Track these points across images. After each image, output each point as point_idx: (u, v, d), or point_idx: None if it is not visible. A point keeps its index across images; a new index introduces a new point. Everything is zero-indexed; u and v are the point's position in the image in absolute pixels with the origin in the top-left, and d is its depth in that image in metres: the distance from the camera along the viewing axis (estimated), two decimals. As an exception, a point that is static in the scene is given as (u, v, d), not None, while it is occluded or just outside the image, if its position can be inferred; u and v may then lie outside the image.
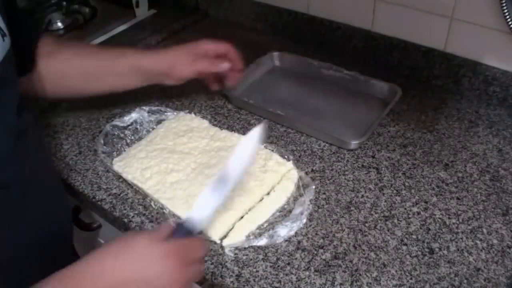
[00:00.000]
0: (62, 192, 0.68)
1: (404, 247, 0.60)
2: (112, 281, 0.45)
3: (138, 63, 0.74)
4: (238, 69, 0.79)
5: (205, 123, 0.80)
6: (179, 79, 0.77)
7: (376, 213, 0.65)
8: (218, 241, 0.62)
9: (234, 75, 0.80)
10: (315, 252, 0.60)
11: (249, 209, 0.65)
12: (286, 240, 0.62)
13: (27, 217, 0.57)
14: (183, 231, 0.49)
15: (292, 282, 0.57)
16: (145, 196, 0.69)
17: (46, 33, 0.74)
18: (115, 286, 0.45)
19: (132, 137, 0.79)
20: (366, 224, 0.63)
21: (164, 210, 0.66)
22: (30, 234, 0.57)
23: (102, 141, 0.77)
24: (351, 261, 0.59)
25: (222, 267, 0.59)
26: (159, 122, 0.81)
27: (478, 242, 0.61)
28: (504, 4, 0.71)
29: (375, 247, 0.61)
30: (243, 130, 0.80)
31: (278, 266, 0.59)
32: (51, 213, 0.62)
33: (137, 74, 0.74)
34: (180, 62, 0.75)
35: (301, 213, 0.64)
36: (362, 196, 0.67)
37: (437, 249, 0.60)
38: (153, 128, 0.80)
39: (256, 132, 0.53)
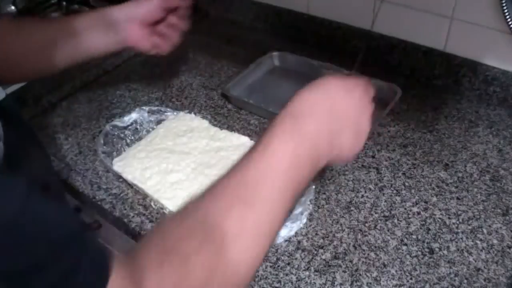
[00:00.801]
0: None
1: (404, 247, 0.60)
2: (331, 109, 0.47)
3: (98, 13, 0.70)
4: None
5: (205, 123, 0.80)
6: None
7: (376, 213, 0.65)
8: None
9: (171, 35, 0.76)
10: (315, 252, 0.60)
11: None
12: (286, 240, 0.62)
13: None
14: None
15: (292, 282, 0.57)
16: (145, 196, 0.69)
17: None
18: (332, 114, 0.47)
19: (132, 137, 0.79)
20: (366, 224, 0.63)
21: (164, 210, 0.66)
22: None
23: (102, 141, 0.77)
24: (351, 261, 0.59)
25: (222, 267, 0.59)
26: (159, 122, 0.81)
27: (478, 242, 0.61)
28: (504, 4, 0.71)
29: (375, 247, 0.61)
30: (243, 130, 0.80)
31: (278, 266, 0.59)
32: None
33: (99, 28, 0.70)
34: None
35: (301, 213, 0.64)
36: (362, 196, 0.67)
37: (437, 249, 0.60)
38: (153, 128, 0.80)
39: None
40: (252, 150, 0.43)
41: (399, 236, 0.62)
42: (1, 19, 0.67)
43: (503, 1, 0.71)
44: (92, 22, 0.69)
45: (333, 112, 0.47)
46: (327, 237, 0.62)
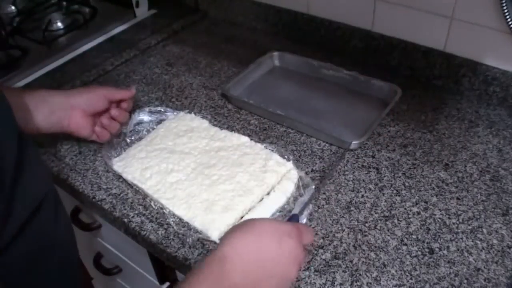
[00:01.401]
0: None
1: (404, 247, 0.60)
2: (257, 257, 0.47)
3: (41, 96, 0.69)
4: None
5: (205, 123, 0.80)
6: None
7: (376, 213, 0.65)
8: (218, 241, 0.61)
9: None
10: (315, 252, 0.60)
11: (249, 209, 0.65)
12: (286, 240, 0.62)
13: None
14: (294, 217, 0.58)
15: (292, 282, 0.57)
16: (145, 196, 0.69)
17: None
18: (258, 262, 0.47)
19: (132, 137, 0.79)
20: (366, 224, 0.63)
21: (164, 210, 0.66)
22: None
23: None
24: (351, 261, 0.59)
25: (222, 267, 0.59)
26: (159, 122, 0.81)
27: (478, 242, 0.61)
28: (504, 4, 0.71)
29: (375, 247, 0.61)
30: (243, 130, 0.80)
31: (278, 266, 0.59)
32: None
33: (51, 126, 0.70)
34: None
35: (301, 213, 0.64)
36: (362, 196, 0.67)
37: (437, 249, 0.60)
38: (153, 128, 0.80)
39: None
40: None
41: (399, 236, 0.62)
42: None
43: (503, 1, 0.71)
44: (38, 103, 0.69)
45: (262, 261, 0.47)
46: (327, 237, 0.62)
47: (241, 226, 0.49)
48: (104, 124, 0.76)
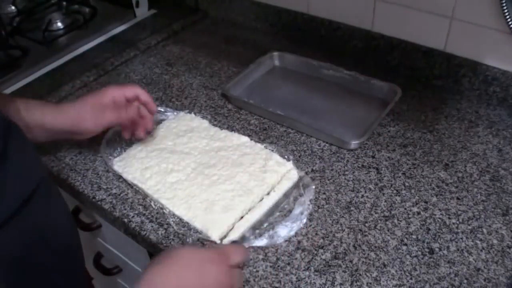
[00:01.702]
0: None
1: (404, 247, 0.60)
2: (182, 286, 0.46)
3: (41, 120, 0.68)
4: (151, 112, 0.73)
5: (205, 123, 0.80)
6: (86, 134, 0.71)
7: (376, 213, 0.65)
8: (218, 241, 0.62)
9: (145, 123, 0.74)
10: (315, 252, 0.60)
11: (249, 209, 0.65)
12: (286, 240, 0.62)
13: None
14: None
15: (292, 282, 0.57)
16: (145, 196, 0.69)
17: None
18: None
19: (132, 137, 0.79)
20: (366, 224, 0.63)
21: (164, 210, 0.66)
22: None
23: (102, 141, 0.77)
24: (351, 261, 0.59)
25: (222, 267, 0.59)
26: (159, 122, 0.81)
27: (478, 242, 0.61)
28: (504, 4, 0.71)
29: (375, 247, 0.61)
30: (243, 130, 0.80)
31: (278, 266, 0.59)
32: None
33: (42, 131, 0.69)
34: (83, 118, 0.69)
35: (301, 213, 0.64)
36: (362, 196, 0.67)
37: (437, 249, 0.60)
38: (153, 128, 0.80)
39: None
40: None
41: (399, 236, 0.62)
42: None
43: (503, 1, 0.71)
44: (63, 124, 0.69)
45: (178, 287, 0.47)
46: (327, 237, 0.62)
47: (160, 259, 0.48)
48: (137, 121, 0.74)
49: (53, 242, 0.59)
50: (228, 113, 0.85)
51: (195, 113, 0.83)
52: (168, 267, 0.48)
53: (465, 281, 0.56)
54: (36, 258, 0.56)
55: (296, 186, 0.68)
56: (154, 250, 0.66)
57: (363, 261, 0.59)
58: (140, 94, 0.70)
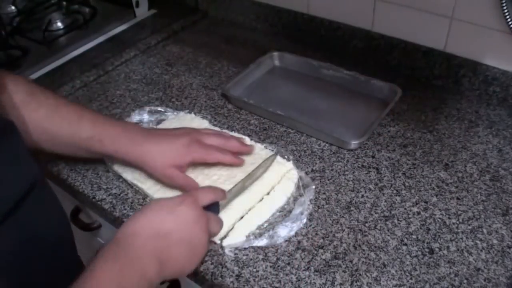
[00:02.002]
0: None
1: (404, 247, 0.60)
2: (156, 230, 0.50)
3: (115, 153, 0.66)
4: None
5: (205, 123, 0.80)
6: (151, 173, 0.68)
7: (376, 213, 0.65)
8: (218, 241, 0.62)
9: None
10: (315, 252, 0.60)
11: (249, 209, 0.65)
12: (286, 240, 0.62)
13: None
14: (213, 209, 0.58)
15: (292, 282, 0.57)
16: (145, 196, 0.69)
17: (17, 76, 0.65)
18: (159, 234, 0.50)
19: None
20: (366, 224, 0.63)
21: (164, 210, 0.66)
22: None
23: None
24: (351, 261, 0.59)
25: (222, 267, 0.59)
26: (159, 122, 0.81)
27: (478, 242, 0.61)
28: (504, 4, 0.71)
29: (375, 247, 0.61)
30: (243, 130, 0.80)
31: (278, 266, 0.59)
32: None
33: (112, 158, 0.69)
34: (154, 160, 0.65)
35: (301, 213, 0.64)
36: (362, 196, 0.67)
37: (437, 249, 0.60)
38: (153, 128, 0.80)
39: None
40: (81, 277, 0.46)
41: (399, 236, 0.62)
42: (21, 82, 0.66)
43: (503, 1, 0.71)
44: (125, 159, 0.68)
45: (156, 232, 0.50)
46: (327, 237, 0.62)
47: (135, 213, 0.53)
48: None
49: (45, 245, 0.58)
50: (228, 113, 0.85)
51: (195, 113, 0.83)
52: (143, 214, 0.52)
53: (465, 281, 0.56)
54: (26, 260, 0.55)
55: (296, 186, 0.68)
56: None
57: (363, 261, 0.59)
58: (222, 161, 0.68)
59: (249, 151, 0.71)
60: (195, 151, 0.66)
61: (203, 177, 0.69)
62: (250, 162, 0.70)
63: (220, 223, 0.58)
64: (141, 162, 0.66)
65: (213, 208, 0.58)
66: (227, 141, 0.70)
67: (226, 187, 0.67)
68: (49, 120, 0.64)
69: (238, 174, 0.69)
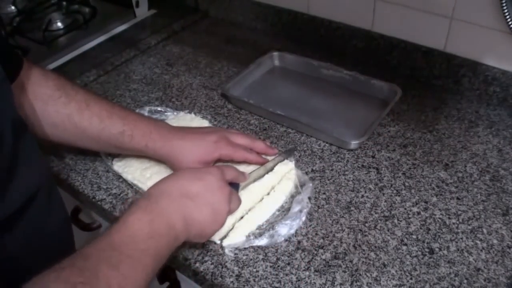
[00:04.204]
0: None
1: (404, 247, 0.60)
2: (185, 192, 0.54)
3: (145, 148, 0.67)
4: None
5: (205, 123, 0.80)
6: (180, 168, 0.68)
7: (376, 213, 0.65)
8: (218, 242, 0.62)
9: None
10: (315, 252, 0.60)
11: (249, 209, 0.65)
12: (286, 240, 0.62)
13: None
14: (234, 186, 0.62)
15: (292, 282, 0.57)
16: (145, 196, 0.69)
17: (47, 70, 0.68)
18: (187, 195, 0.54)
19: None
20: (366, 224, 0.63)
21: (164, 210, 0.66)
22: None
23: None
24: (351, 261, 0.59)
25: (222, 267, 0.59)
26: (159, 122, 0.81)
27: (478, 242, 0.61)
28: (504, 4, 0.71)
29: (375, 247, 0.61)
30: (243, 130, 0.80)
31: (278, 266, 0.59)
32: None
33: (140, 153, 0.69)
34: (182, 155, 0.67)
35: (300, 211, 0.64)
36: (362, 196, 0.67)
37: (437, 249, 0.60)
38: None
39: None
40: (113, 225, 0.49)
41: (399, 236, 0.62)
42: (51, 77, 0.66)
43: (503, 1, 0.71)
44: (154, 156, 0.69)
45: (184, 193, 0.54)
46: (327, 237, 0.62)
47: (165, 177, 0.57)
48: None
49: (47, 246, 0.59)
50: (228, 113, 0.85)
51: (195, 113, 0.83)
52: (174, 177, 0.57)
53: (465, 281, 0.56)
54: (27, 261, 0.55)
55: (295, 185, 0.68)
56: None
57: (363, 261, 0.59)
58: (248, 159, 0.69)
59: (274, 153, 0.73)
60: (223, 148, 0.67)
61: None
62: (249, 162, 0.70)
63: (239, 201, 0.61)
64: (169, 157, 0.67)
65: (234, 186, 0.61)
66: (253, 141, 0.72)
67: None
68: (79, 115, 0.65)
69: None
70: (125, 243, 0.47)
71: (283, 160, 0.71)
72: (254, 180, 0.67)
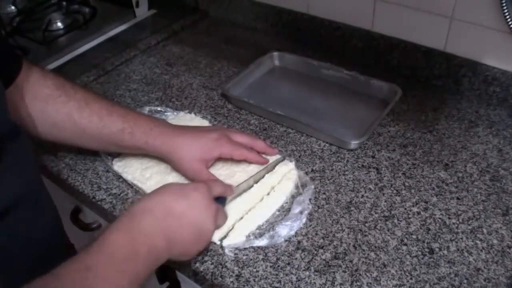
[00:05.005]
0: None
1: (404, 247, 0.60)
2: (170, 210, 0.52)
3: (145, 145, 0.67)
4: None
5: (205, 123, 0.80)
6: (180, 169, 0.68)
7: (376, 213, 0.65)
8: (218, 242, 0.61)
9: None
10: (315, 252, 0.60)
11: (249, 210, 0.65)
12: (286, 240, 0.62)
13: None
14: (220, 201, 0.61)
15: (292, 282, 0.57)
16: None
17: (45, 70, 0.68)
18: (172, 214, 0.52)
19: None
20: (366, 224, 0.63)
21: (164, 210, 0.66)
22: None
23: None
24: (351, 261, 0.59)
25: (222, 267, 0.59)
26: (159, 122, 0.81)
27: (478, 242, 0.61)
28: (504, 4, 0.71)
29: (375, 247, 0.61)
30: (243, 130, 0.80)
31: (278, 266, 0.59)
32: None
33: (140, 151, 0.69)
34: (181, 151, 0.66)
35: (301, 212, 0.64)
36: (362, 196, 0.67)
37: (437, 249, 0.60)
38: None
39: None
40: (92, 242, 0.47)
41: (399, 236, 0.62)
42: (49, 76, 0.66)
43: (503, 1, 0.71)
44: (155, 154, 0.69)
45: (168, 212, 0.52)
46: (327, 237, 0.62)
47: (150, 192, 0.55)
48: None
49: (35, 250, 0.58)
50: (228, 113, 0.85)
51: (195, 113, 0.83)
52: (159, 194, 0.54)
53: (465, 281, 0.56)
54: (14, 264, 0.55)
55: (295, 185, 0.68)
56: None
57: (363, 261, 0.59)
58: (248, 158, 0.69)
59: (274, 152, 0.72)
60: (223, 146, 0.67)
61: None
62: (250, 162, 0.70)
63: (226, 217, 0.61)
64: (170, 154, 0.67)
65: (220, 201, 0.60)
66: (254, 140, 0.71)
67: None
68: (79, 113, 0.65)
69: (237, 174, 0.69)
70: (102, 264, 0.45)
71: (272, 170, 0.69)
72: (243, 191, 0.66)
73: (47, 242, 0.61)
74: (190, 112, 0.83)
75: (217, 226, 0.59)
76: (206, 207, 0.55)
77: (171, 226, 0.52)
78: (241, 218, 0.64)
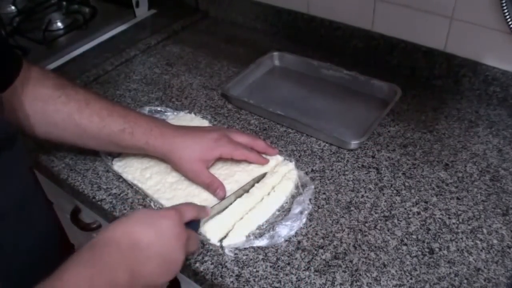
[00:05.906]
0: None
1: (404, 247, 0.60)
2: (136, 242, 0.48)
3: (145, 145, 0.67)
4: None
5: (205, 123, 0.80)
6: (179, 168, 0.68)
7: (376, 213, 0.65)
8: (218, 243, 0.61)
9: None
10: (315, 252, 0.60)
11: (249, 209, 0.65)
12: (286, 240, 0.62)
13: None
14: (193, 226, 0.56)
15: (292, 282, 0.57)
16: (145, 196, 0.69)
17: (46, 70, 0.68)
18: (138, 246, 0.48)
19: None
20: (366, 224, 0.63)
21: (164, 210, 0.66)
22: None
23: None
24: (351, 261, 0.59)
25: (222, 267, 0.59)
26: (159, 122, 0.81)
27: (478, 242, 0.61)
28: (504, 4, 0.71)
29: (375, 247, 0.61)
30: (243, 130, 0.80)
31: (278, 266, 0.59)
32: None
33: (140, 151, 0.69)
34: (181, 151, 0.66)
35: (301, 212, 0.64)
36: (362, 196, 0.67)
37: (437, 249, 0.60)
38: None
39: None
40: (50, 276, 0.44)
41: (399, 236, 0.62)
42: (50, 76, 0.66)
43: (503, 1, 0.71)
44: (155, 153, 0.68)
45: (134, 243, 0.48)
46: (327, 237, 0.62)
47: (115, 221, 0.50)
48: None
49: (24, 260, 0.57)
50: (228, 113, 0.85)
51: (195, 113, 0.83)
52: (124, 223, 0.50)
53: (465, 281, 0.56)
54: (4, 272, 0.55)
55: (295, 185, 0.68)
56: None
57: (363, 261, 0.59)
58: (249, 158, 0.69)
59: (274, 152, 0.72)
60: (223, 146, 0.67)
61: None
62: (250, 162, 0.70)
63: (198, 242, 0.57)
64: (170, 155, 0.67)
65: (194, 225, 0.57)
66: (254, 140, 0.71)
67: (226, 186, 0.67)
68: (79, 113, 0.65)
69: (237, 173, 0.69)
70: None
71: (249, 189, 0.67)
72: (218, 213, 0.63)
73: (38, 251, 0.60)
74: (190, 112, 0.83)
75: (189, 253, 0.55)
76: (176, 237, 0.51)
77: (136, 259, 0.48)
78: (241, 218, 0.64)
